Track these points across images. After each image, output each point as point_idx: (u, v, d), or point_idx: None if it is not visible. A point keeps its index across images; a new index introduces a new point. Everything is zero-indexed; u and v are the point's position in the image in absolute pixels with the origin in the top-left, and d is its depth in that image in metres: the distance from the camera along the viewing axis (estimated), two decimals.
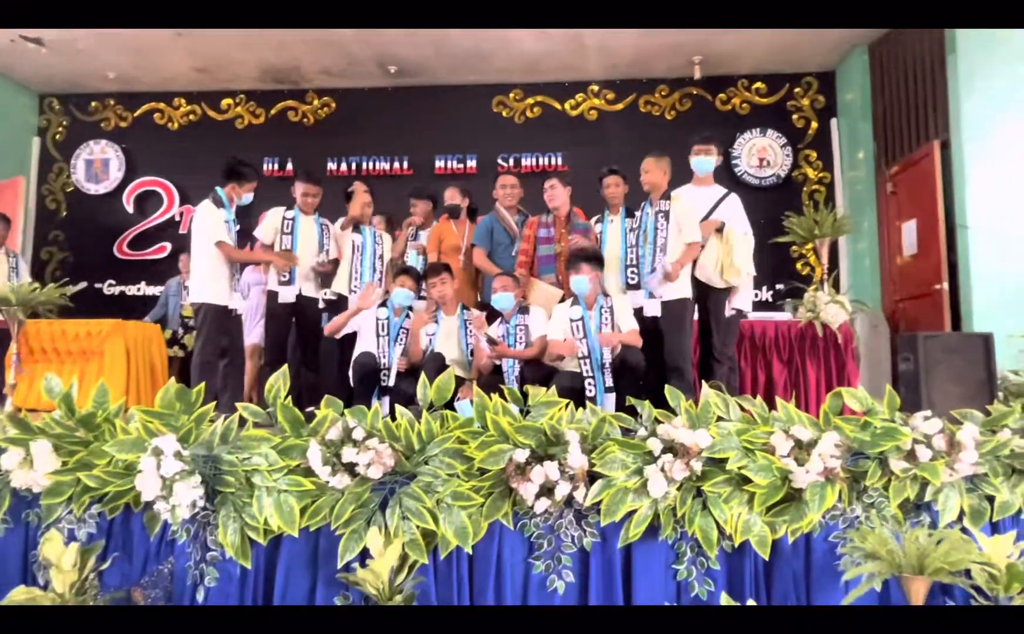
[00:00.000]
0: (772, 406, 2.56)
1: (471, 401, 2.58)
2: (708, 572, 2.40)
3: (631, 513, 2.35)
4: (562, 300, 3.58)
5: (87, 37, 5.69)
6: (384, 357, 3.58)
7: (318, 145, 6.53)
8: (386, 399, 3.49)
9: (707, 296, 3.62)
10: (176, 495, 2.25)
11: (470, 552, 2.37)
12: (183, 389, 2.52)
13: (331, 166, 6.48)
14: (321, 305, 4.04)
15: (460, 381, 3.37)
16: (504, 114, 6.52)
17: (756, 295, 5.76)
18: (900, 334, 4.44)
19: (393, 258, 4.25)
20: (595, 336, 3.34)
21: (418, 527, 2.34)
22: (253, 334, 4.50)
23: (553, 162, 6.30)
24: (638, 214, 3.56)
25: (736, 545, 2.38)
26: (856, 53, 5.87)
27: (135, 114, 6.81)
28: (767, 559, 2.37)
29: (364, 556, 2.33)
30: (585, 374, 3.32)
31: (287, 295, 3.93)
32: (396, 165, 6.48)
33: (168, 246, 6.53)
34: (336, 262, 4.05)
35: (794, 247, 5.94)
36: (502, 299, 3.60)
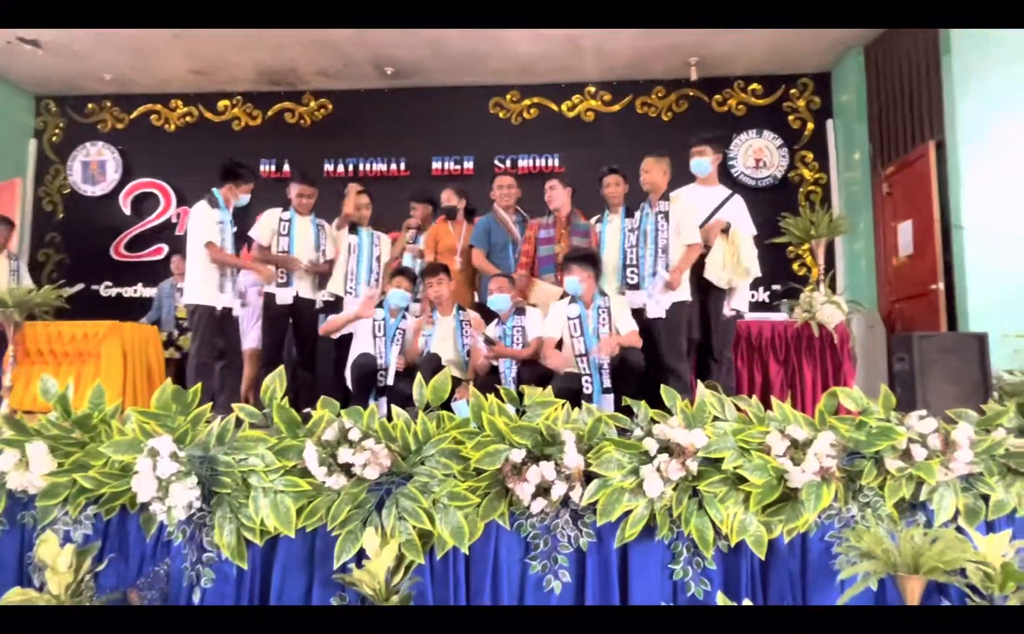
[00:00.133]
0: (768, 406, 2.57)
1: (467, 402, 2.58)
2: (704, 572, 2.40)
3: (627, 513, 2.36)
4: (561, 298, 3.59)
5: (83, 39, 5.69)
6: (381, 358, 3.58)
7: (315, 147, 6.54)
8: (383, 400, 3.49)
9: (708, 296, 3.63)
10: (172, 496, 2.25)
11: (466, 552, 2.37)
12: (179, 390, 2.52)
13: (328, 167, 6.49)
14: (319, 306, 4.04)
15: (457, 382, 3.37)
16: (501, 115, 6.53)
17: (753, 296, 5.77)
18: (896, 334, 4.45)
19: (390, 260, 4.25)
20: (592, 335, 3.35)
21: (414, 527, 2.34)
22: (251, 338, 4.50)
23: (550, 163, 6.31)
24: (637, 215, 3.56)
25: (732, 545, 2.38)
26: (852, 54, 5.89)
27: (132, 116, 6.80)
28: (763, 559, 2.37)
29: (360, 557, 2.33)
30: (582, 373, 3.33)
31: (285, 296, 3.93)
32: (393, 166, 6.49)
33: (165, 248, 6.53)
34: (333, 262, 4.05)
35: (790, 248, 5.96)
36: (498, 300, 3.61)
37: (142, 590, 2.35)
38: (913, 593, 2.20)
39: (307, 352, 4.03)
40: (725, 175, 6.05)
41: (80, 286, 6.35)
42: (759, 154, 6.23)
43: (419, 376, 2.64)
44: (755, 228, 3.74)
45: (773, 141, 6.24)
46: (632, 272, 3.51)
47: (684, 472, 2.34)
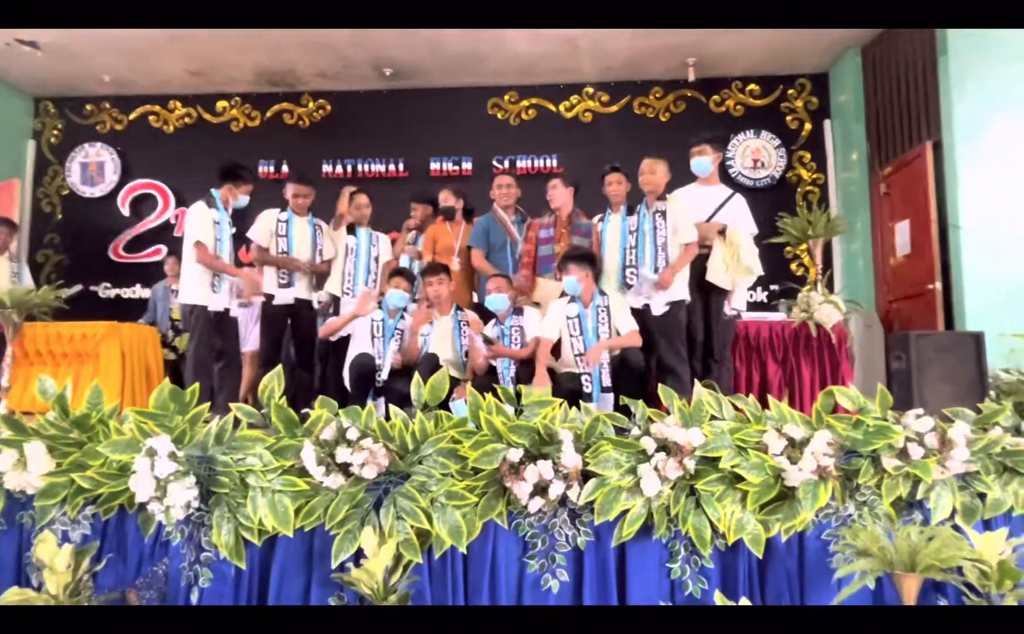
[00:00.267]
0: (766, 405, 2.57)
1: (465, 401, 2.58)
2: (702, 570, 2.41)
3: (625, 512, 2.36)
4: (560, 298, 3.60)
5: (82, 40, 5.69)
6: (379, 358, 3.58)
7: (314, 147, 6.54)
8: (381, 400, 3.49)
9: (709, 297, 3.63)
10: (170, 496, 2.25)
11: (464, 551, 2.37)
12: (177, 390, 2.52)
13: (326, 168, 6.49)
14: (316, 306, 4.04)
15: (455, 382, 3.37)
16: (499, 116, 6.54)
17: (751, 296, 5.78)
18: (893, 334, 4.45)
19: (391, 260, 4.25)
20: (591, 335, 3.36)
21: (412, 527, 2.35)
22: (250, 341, 4.49)
23: (548, 164, 6.31)
24: (634, 216, 3.58)
25: (730, 543, 2.39)
26: (849, 55, 5.90)
27: (130, 117, 6.80)
28: (760, 557, 2.38)
29: (359, 556, 2.33)
30: (581, 371, 3.33)
31: (286, 297, 3.93)
32: (392, 167, 6.49)
33: (164, 249, 6.52)
34: (331, 262, 4.06)
35: (788, 248, 5.96)
36: (496, 300, 3.61)
37: (140, 590, 2.36)
38: (910, 591, 2.20)
39: (305, 352, 4.03)
40: (723, 175, 6.05)
41: (79, 287, 6.35)
42: (757, 154, 6.24)
43: (417, 376, 2.65)
44: (756, 227, 3.75)
45: (771, 141, 6.25)
46: (631, 273, 3.51)
47: (682, 471, 2.35)
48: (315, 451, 2.35)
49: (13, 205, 6.08)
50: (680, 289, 3.50)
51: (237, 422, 2.49)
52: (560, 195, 3.87)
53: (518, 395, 2.57)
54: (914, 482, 2.44)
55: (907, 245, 5.22)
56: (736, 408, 2.58)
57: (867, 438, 2.44)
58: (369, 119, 6.56)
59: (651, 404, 2.62)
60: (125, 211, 6.68)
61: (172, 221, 6.61)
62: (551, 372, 3.42)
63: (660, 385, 2.60)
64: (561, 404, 2.55)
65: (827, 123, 6.22)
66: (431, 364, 3.35)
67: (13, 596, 2.27)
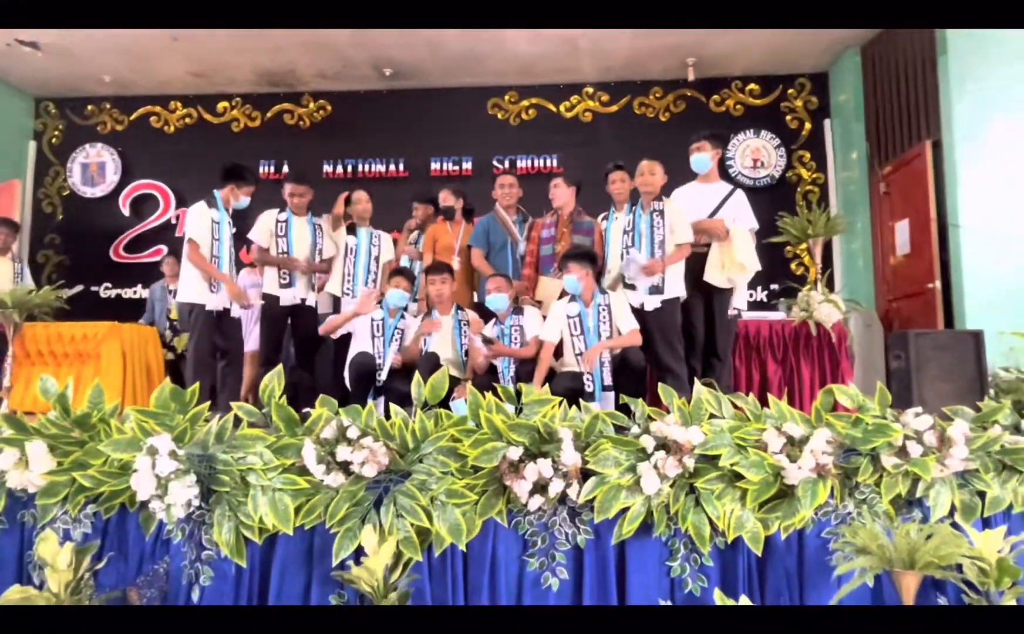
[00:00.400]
0: (766, 404, 2.58)
1: (466, 401, 2.59)
2: (701, 568, 2.41)
3: (624, 510, 2.37)
4: (560, 296, 3.60)
5: (83, 41, 5.70)
6: (379, 358, 3.59)
7: (314, 148, 6.54)
8: (381, 399, 3.50)
9: (711, 297, 3.64)
10: (171, 494, 2.26)
11: (464, 549, 2.38)
12: (178, 389, 2.53)
13: (327, 169, 6.50)
14: (311, 304, 4.04)
15: (455, 381, 3.38)
16: (499, 116, 6.55)
17: (751, 295, 5.78)
18: (893, 332, 4.46)
19: (392, 260, 4.25)
20: (592, 333, 3.37)
21: (412, 525, 2.35)
22: (251, 340, 4.50)
23: (548, 164, 6.31)
24: (629, 216, 3.60)
25: (729, 541, 2.39)
26: (849, 54, 5.90)
27: (131, 117, 6.81)
28: (760, 555, 2.38)
29: (359, 554, 2.34)
30: (583, 371, 3.34)
31: (288, 297, 3.94)
32: (392, 167, 6.50)
33: (164, 249, 6.53)
34: (330, 262, 4.07)
35: (788, 247, 5.96)
36: (496, 300, 3.62)
37: (141, 588, 2.36)
38: (909, 589, 2.20)
39: (306, 352, 4.04)
40: (723, 175, 6.06)
41: (79, 287, 6.36)
42: (757, 154, 6.25)
43: (417, 375, 2.65)
44: (756, 222, 3.76)
45: (771, 141, 6.25)
46: (624, 253, 3.54)
47: (681, 469, 2.35)
48: (315, 450, 2.36)
49: (14, 205, 6.09)
50: (675, 287, 3.52)
51: (238, 421, 2.50)
52: (562, 194, 3.88)
53: (518, 394, 2.57)
54: (913, 480, 2.44)
55: (907, 244, 5.22)
56: (736, 406, 2.58)
57: (866, 436, 2.44)
58: (369, 119, 6.57)
59: (652, 403, 2.62)
60: (126, 211, 6.70)
61: (173, 221, 6.62)
62: (550, 372, 3.42)
63: (660, 384, 2.61)
64: (561, 403, 2.55)
65: (827, 122, 6.22)
66: (431, 363, 3.35)
67: (15, 594, 2.27)
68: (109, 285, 6.64)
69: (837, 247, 5.97)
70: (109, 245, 6.63)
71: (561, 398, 2.58)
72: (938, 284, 4.79)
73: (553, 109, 6.52)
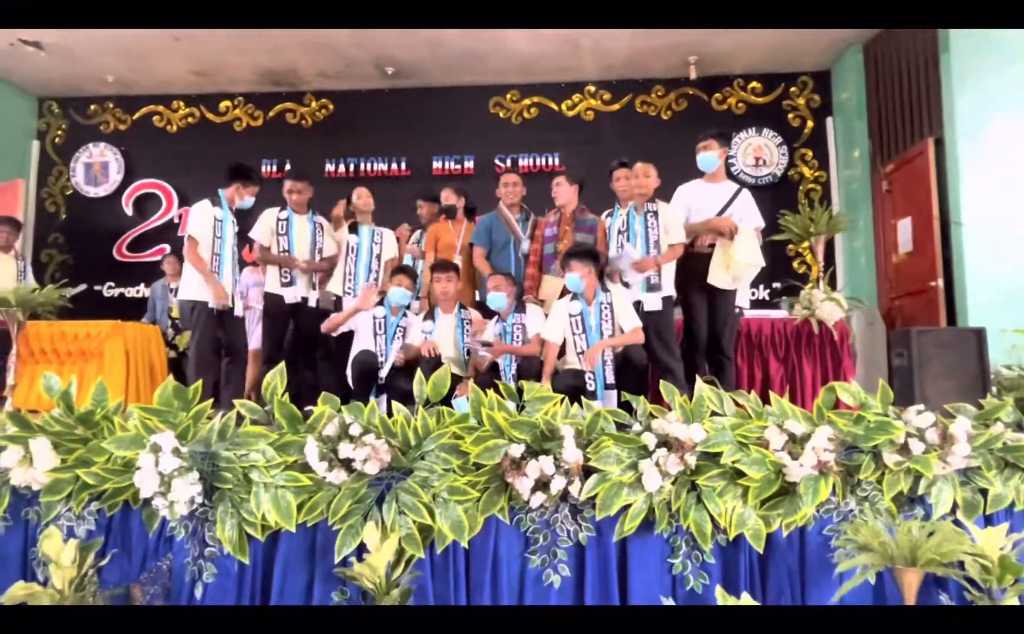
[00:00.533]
0: (768, 402, 2.58)
1: (467, 399, 2.59)
2: (703, 566, 2.41)
3: (626, 507, 2.37)
4: (562, 295, 3.61)
5: (85, 41, 5.72)
6: (381, 356, 3.60)
7: (316, 147, 6.56)
8: (383, 397, 3.50)
9: (715, 297, 3.64)
10: (174, 491, 2.27)
11: (466, 546, 2.38)
12: (180, 387, 2.54)
13: (329, 167, 6.51)
14: (312, 304, 4.05)
15: (457, 379, 3.39)
16: (501, 115, 6.55)
17: (753, 293, 5.78)
18: (895, 330, 4.45)
19: (394, 259, 4.26)
20: (594, 332, 3.37)
21: (414, 522, 2.36)
22: (253, 339, 4.51)
23: (550, 162, 6.32)
24: (623, 216, 3.61)
25: (731, 538, 2.40)
26: (851, 52, 5.90)
27: (134, 117, 6.83)
28: (761, 552, 2.38)
29: (361, 551, 2.34)
30: (585, 369, 3.34)
31: (290, 296, 3.95)
32: (394, 166, 6.51)
33: (167, 248, 6.55)
34: (331, 260, 4.07)
35: (790, 246, 5.97)
36: (496, 298, 3.63)
37: (145, 585, 2.37)
38: (911, 586, 2.20)
39: (308, 350, 4.05)
40: (726, 173, 6.05)
41: (83, 286, 6.38)
42: (759, 152, 6.25)
43: (419, 372, 2.66)
44: (763, 221, 3.76)
45: (773, 139, 6.25)
46: (618, 248, 3.57)
47: (683, 466, 2.35)
48: (318, 447, 2.36)
49: (18, 205, 6.12)
50: (670, 285, 3.56)
51: (240, 418, 2.50)
52: (564, 192, 3.89)
53: (520, 391, 2.58)
54: (915, 477, 2.44)
55: (909, 242, 5.21)
56: (737, 404, 2.58)
57: (868, 434, 2.44)
58: (371, 118, 6.59)
59: (653, 400, 2.63)
60: (129, 211, 6.72)
61: (175, 220, 6.64)
62: (554, 370, 3.43)
63: (661, 381, 2.61)
64: (562, 400, 2.56)
65: (829, 120, 6.22)
66: (433, 361, 3.36)
67: (19, 590, 2.28)
68: (112, 284, 6.66)
69: (839, 245, 5.97)
70: (112, 244, 6.65)
71: (563, 396, 2.58)
72: (940, 282, 4.79)
73: (555, 108, 6.52)
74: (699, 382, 2.61)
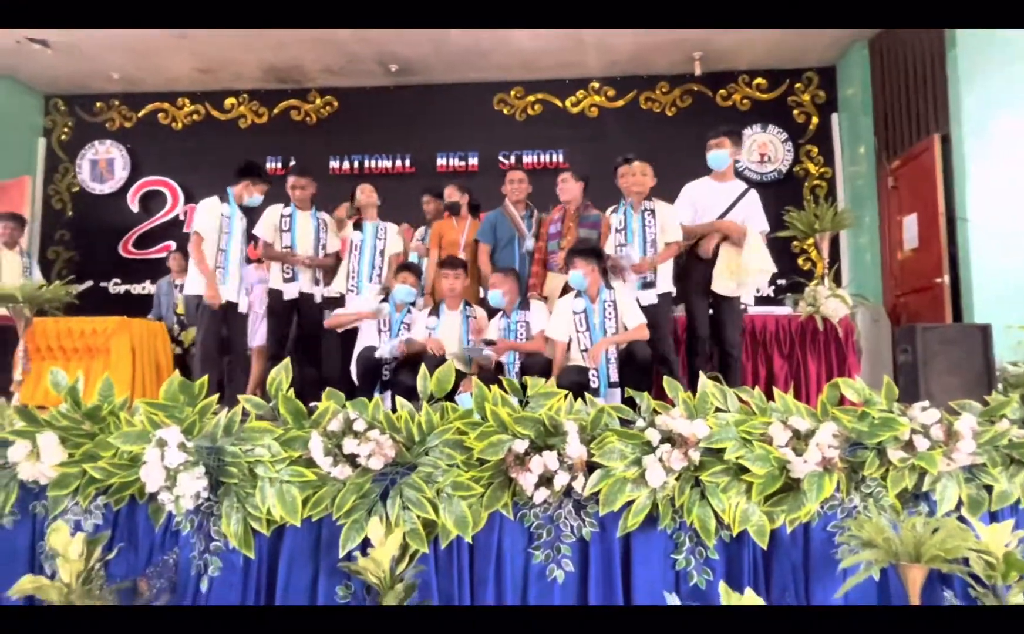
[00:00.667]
0: (772, 398, 2.57)
1: (471, 395, 2.60)
2: (707, 562, 2.41)
3: (630, 503, 2.37)
4: (564, 293, 3.61)
5: (91, 39, 5.74)
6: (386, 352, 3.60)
7: (321, 143, 6.58)
8: (387, 393, 3.51)
9: (719, 304, 3.64)
10: (180, 486, 2.28)
11: (470, 542, 2.38)
12: (186, 382, 2.55)
13: (334, 164, 6.53)
14: (318, 300, 4.07)
15: (461, 375, 3.39)
16: (505, 112, 6.55)
17: (757, 290, 5.74)
18: (900, 326, 4.44)
19: (398, 254, 4.26)
20: (598, 329, 3.37)
21: (419, 517, 2.36)
22: (257, 336, 4.53)
23: (554, 159, 6.32)
24: (621, 215, 3.61)
25: (735, 535, 2.39)
26: (856, 48, 5.87)
27: (139, 114, 6.86)
28: (765, 548, 2.38)
29: (365, 545, 2.35)
30: (588, 366, 3.34)
31: (291, 292, 3.96)
32: (399, 163, 6.52)
33: (173, 245, 6.55)
34: (335, 256, 4.09)
35: (795, 242, 5.95)
36: (497, 296, 3.64)
37: (151, 579, 2.38)
38: (915, 582, 2.20)
39: (311, 346, 4.06)
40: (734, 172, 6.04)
41: (89, 283, 6.39)
42: (764, 149, 6.23)
43: (423, 368, 2.67)
44: (768, 224, 3.74)
45: (778, 135, 6.23)
46: (619, 248, 3.57)
47: (686, 462, 2.35)
48: (322, 442, 2.37)
49: (24, 202, 6.15)
50: (666, 282, 3.59)
51: (245, 414, 2.51)
52: (570, 189, 3.89)
53: (524, 387, 2.58)
54: (920, 474, 2.43)
55: (915, 239, 5.19)
56: (741, 400, 2.58)
57: (873, 430, 2.44)
58: (375, 115, 6.59)
59: (657, 397, 2.63)
60: (135, 208, 6.75)
61: (181, 217, 6.67)
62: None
63: (666, 378, 2.61)
64: (566, 396, 2.56)
65: (834, 117, 6.20)
66: (438, 359, 3.37)
67: (27, 584, 2.31)
68: (118, 281, 6.69)
69: (844, 242, 5.95)
70: (118, 241, 6.69)
71: (566, 391, 2.58)
72: (946, 278, 4.77)
73: (559, 104, 6.52)
74: (702, 378, 2.61)
